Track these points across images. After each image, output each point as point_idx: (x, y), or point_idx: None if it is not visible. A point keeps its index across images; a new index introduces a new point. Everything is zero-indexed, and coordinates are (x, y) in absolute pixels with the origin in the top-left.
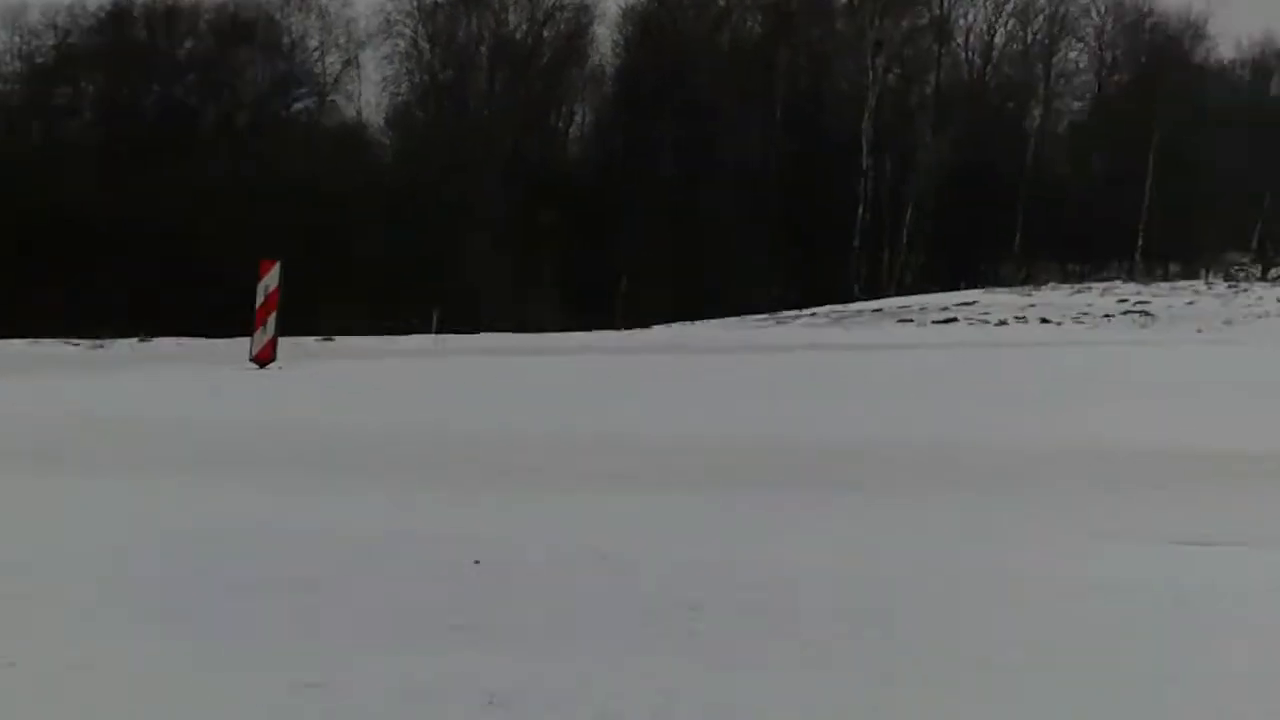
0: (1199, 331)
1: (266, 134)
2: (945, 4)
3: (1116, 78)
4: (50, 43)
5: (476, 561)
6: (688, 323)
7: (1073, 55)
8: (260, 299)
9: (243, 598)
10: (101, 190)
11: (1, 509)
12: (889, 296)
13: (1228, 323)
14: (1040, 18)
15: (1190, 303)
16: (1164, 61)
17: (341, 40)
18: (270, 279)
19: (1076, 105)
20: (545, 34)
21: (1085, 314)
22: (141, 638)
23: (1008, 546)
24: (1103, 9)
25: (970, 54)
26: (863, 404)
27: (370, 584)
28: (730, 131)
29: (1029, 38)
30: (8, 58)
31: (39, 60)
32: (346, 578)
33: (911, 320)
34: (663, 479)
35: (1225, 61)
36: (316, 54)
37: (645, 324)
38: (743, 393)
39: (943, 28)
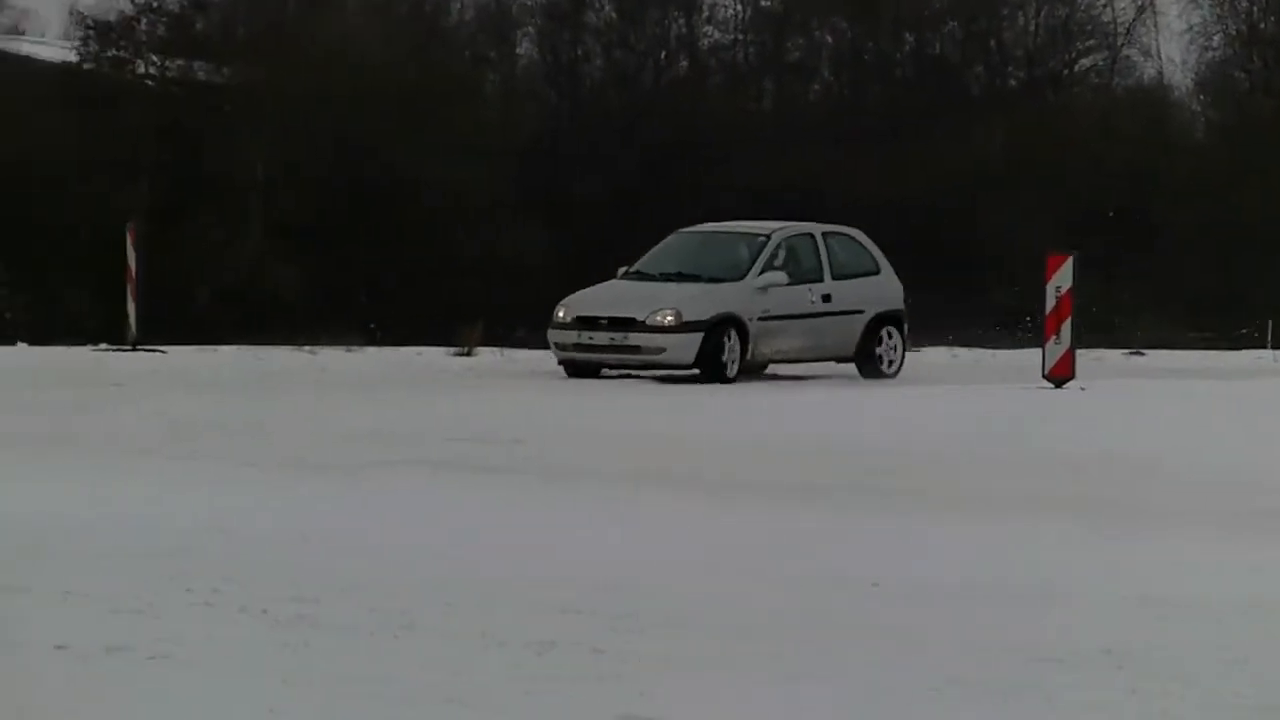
0: None
1: (1045, 98)
2: None
3: None
4: None
5: None
6: None
7: None
8: (1050, 303)
9: None
10: (841, 163)
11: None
12: None
13: None
14: None
15: None
16: None
17: None
18: (1061, 278)
19: None
20: None
21: None
22: None
23: None
24: None
25: None
26: None
27: None
28: None
29: None
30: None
31: (764, 3)
32: None
33: None
34: None
35: None
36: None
37: None
38: None
39: None
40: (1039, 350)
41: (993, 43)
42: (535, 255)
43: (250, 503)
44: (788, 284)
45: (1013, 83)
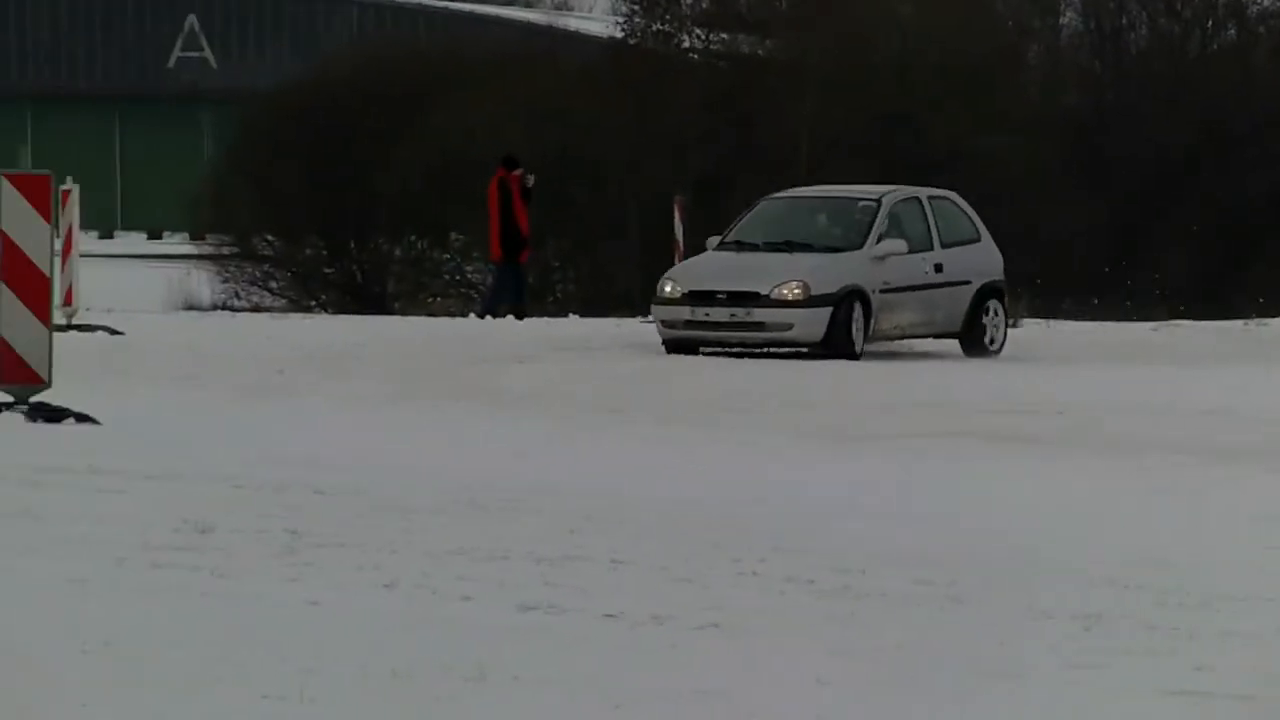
0: None
1: None
2: None
3: None
4: None
5: None
6: None
7: None
8: None
9: None
10: None
11: None
12: None
13: None
14: None
15: None
16: None
17: None
18: None
19: None
20: None
21: None
22: None
23: None
24: None
25: None
26: None
27: None
28: None
29: None
30: None
31: None
32: None
33: None
34: None
35: None
36: None
37: None
38: None
39: None
40: None
41: None
42: (1077, 226)
43: (796, 473)
44: (906, 252)
45: None
